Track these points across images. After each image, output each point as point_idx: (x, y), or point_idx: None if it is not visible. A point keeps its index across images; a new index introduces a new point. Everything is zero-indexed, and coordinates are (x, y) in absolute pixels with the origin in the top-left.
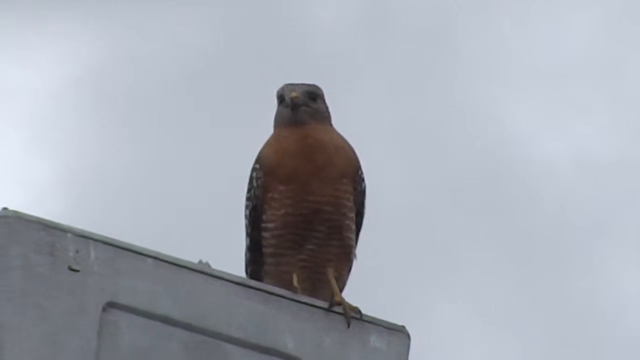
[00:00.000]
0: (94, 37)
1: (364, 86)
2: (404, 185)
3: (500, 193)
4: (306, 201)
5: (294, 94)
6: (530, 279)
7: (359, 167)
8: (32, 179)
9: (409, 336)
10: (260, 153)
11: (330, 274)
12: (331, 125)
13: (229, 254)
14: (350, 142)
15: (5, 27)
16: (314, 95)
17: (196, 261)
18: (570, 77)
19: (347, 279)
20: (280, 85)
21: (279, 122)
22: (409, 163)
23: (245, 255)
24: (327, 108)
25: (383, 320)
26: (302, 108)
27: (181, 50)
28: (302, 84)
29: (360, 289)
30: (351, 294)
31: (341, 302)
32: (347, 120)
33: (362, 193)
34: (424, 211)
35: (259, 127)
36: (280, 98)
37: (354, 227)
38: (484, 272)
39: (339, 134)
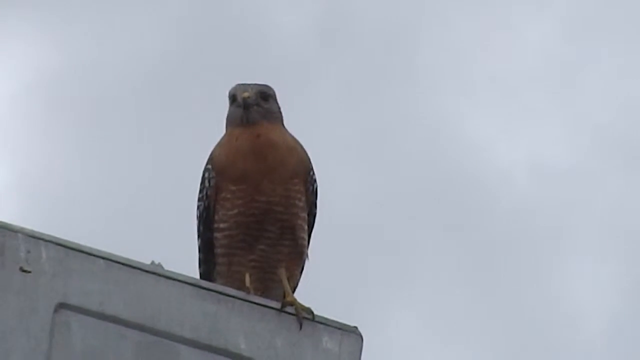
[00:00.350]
0: (48, 41)
1: (321, 92)
2: (359, 191)
3: (456, 200)
4: (257, 201)
5: (246, 94)
6: (486, 286)
7: (311, 167)
8: None
9: (361, 337)
10: (212, 153)
11: (282, 274)
12: (283, 125)
13: (182, 255)
14: (306, 148)
15: None
16: (265, 95)
17: (148, 262)
18: (526, 86)
19: (299, 279)
20: (233, 85)
21: (230, 122)
22: (364, 169)
23: (198, 255)
24: (279, 108)
25: (335, 321)
26: (253, 108)
27: (137, 55)
28: (254, 84)
29: (313, 290)
30: (303, 295)
31: (293, 303)
32: (302, 126)
33: (314, 193)
34: (380, 217)
35: (212, 128)
36: (232, 98)
37: (305, 227)
38: (440, 279)
39: (290, 135)
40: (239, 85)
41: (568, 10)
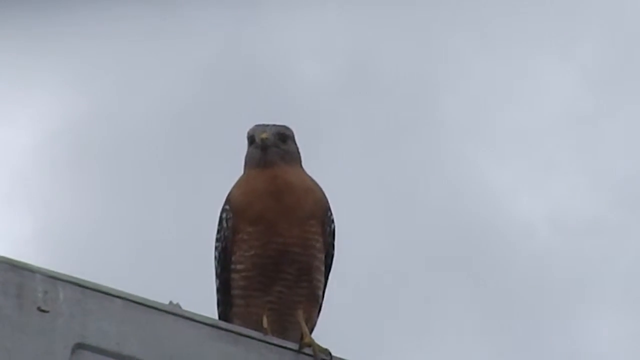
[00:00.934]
0: (73, 88)
1: (343, 142)
2: (379, 240)
3: (476, 251)
4: (274, 242)
5: (264, 135)
6: (507, 338)
7: (328, 208)
8: (8, 233)
9: None
10: (229, 194)
11: (300, 315)
12: (301, 166)
13: (200, 296)
14: (327, 194)
15: None
16: (284, 136)
17: (166, 302)
18: (548, 136)
19: (316, 320)
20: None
21: (249, 163)
22: (384, 219)
23: (216, 296)
24: (297, 149)
25: None
26: (271, 149)
27: (162, 101)
28: (273, 125)
29: (331, 332)
30: (321, 337)
31: (311, 344)
32: (323, 174)
33: (332, 234)
34: (400, 267)
35: (231, 171)
36: (251, 139)
37: (323, 268)
38: (459, 331)
39: (308, 176)
40: (257, 126)
41: (592, 59)
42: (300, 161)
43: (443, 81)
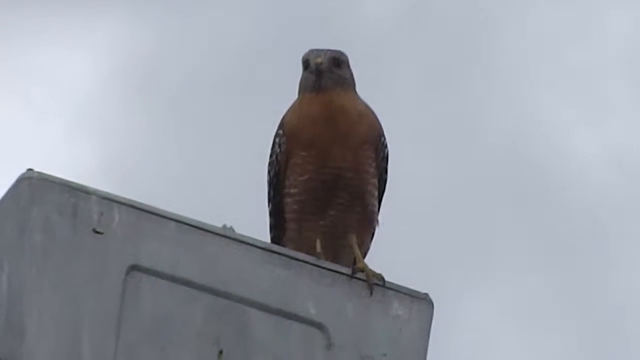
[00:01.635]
0: (140, 27)
1: (404, 76)
2: (436, 175)
3: (534, 187)
4: (328, 167)
5: (319, 60)
6: (562, 273)
7: (382, 134)
8: (75, 164)
9: (432, 304)
10: (283, 118)
11: (353, 240)
12: (355, 92)
13: (254, 219)
14: (388, 127)
15: (53, 12)
16: (338, 61)
17: (220, 225)
18: (608, 76)
19: (369, 245)
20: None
21: (303, 87)
22: (441, 154)
23: (269, 220)
24: (351, 75)
25: (406, 288)
26: (326, 74)
27: (226, 41)
28: (328, 50)
29: (385, 257)
30: (374, 262)
31: (364, 269)
32: (385, 107)
33: (385, 159)
34: (456, 200)
35: (287, 98)
36: (305, 64)
37: (376, 193)
38: (513, 265)
39: (362, 101)
40: (312, 50)
41: None
42: (354, 86)
43: (504, 19)
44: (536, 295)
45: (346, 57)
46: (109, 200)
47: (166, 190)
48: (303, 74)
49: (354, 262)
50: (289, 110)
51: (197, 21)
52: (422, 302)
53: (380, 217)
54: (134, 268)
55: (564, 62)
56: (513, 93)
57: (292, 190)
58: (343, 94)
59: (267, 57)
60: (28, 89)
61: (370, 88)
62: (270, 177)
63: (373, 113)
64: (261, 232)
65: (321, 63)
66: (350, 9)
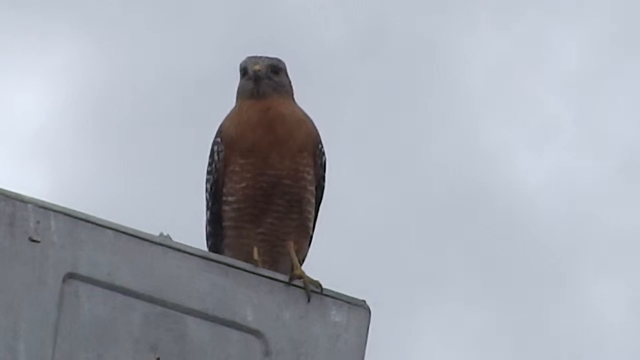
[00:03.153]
0: (95, 49)
1: (354, 99)
2: (382, 202)
3: (475, 211)
4: (266, 174)
5: (257, 67)
6: (507, 301)
7: (319, 141)
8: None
9: (369, 311)
10: (221, 126)
11: (291, 247)
12: (293, 99)
13: (191, 228)
14: (334, 141)
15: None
16: (276, 68)
17: (157, 234)
18: (554, 102)
19: (307, 252)
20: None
21: (241, 94)
22: (389, 180)
23: (206, 228)
24: (289, 82)
25: (343, 295)
26: (264, 81)
27: (181, 71)
28: (266, 57)
29: (322, 264)
30: (311, 269)
31: (301, 276)
32: (334, 126)
33: (323, 166)
34: (401, 227)
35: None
36: (243, 71)
37: (313, 200)
38: (460, 289)
39: (300, 108)
40: (249, 57)
41: (599, 25)
42: (292, 94)
43: (451, 44)
44: (480, 325)
45: (284, 64)
46: (45, 208)
47: (110, 209)
48: (241, 81)
49: (292, 269)
50: (226, 118)
51: (152, 47)
52: (359, 309)
53: (317, 225)
54: (71, 276)
55: (511, 88)
56: (461, 117)
57: (229, 198)
58: (281, 100)
59: (223, 84)
60: None
61: (320, 111)
62: (208, 186)
63: (311, 120)
64: (198, 240)
65: (259, 70)
66: (304, 31)
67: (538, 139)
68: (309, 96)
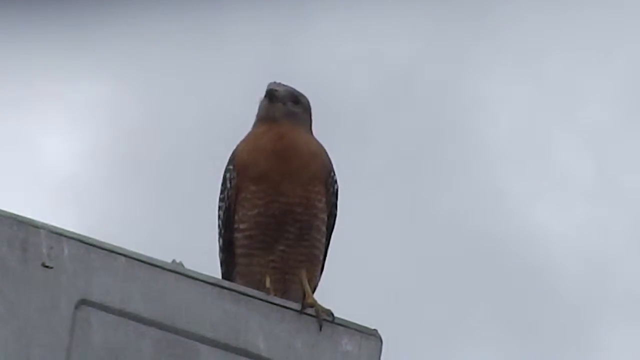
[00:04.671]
0: (128, 96)
1: (374, 146)
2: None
3: (494, 264)
4: (277, 202)
5: (274, 87)
6: (521, 351)
7: (332, 169)
8: None
9: (381, 340)
10: (234, 151)
11: (303, 275)
12: (309, 130)
13: (204, 255)
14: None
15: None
16: (296, 99)
17: (170, 261)
18: (569, 156)
19: (319, 280)
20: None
21: (258, 115)
22: (407, 229)
23: (219, 255)
24: (309, 118)
25: (355, 324)
26: (279, 104)
27: (208, 118)
28: (289, 86)
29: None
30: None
31: (313, 304)
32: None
33: (335, 194)
34: (419, 273)
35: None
36: (265, 92)
37: (324, 228)
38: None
39: (314, 138)
40: (274, 82)
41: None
42: (310, 128)
43: (472, 93)
44: None
45: (306, 100)
46: (58, 234)
47: (123, 235)
48: (260, 103)
49: (304, 298)
50: (240, 143)
51: (186, 92)
52: (371, 338)
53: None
54: (84, 302)
55: (529, 136)
56: (478, 167)
57: (241, 226)
58: (295, 128)
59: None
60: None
61: (342, 156)
62: (221, 213)
63: (324, 150)
64: (211, 267)
65: (277, 90)
66: (330, 80)
67: (556, 191)
68: (332, 141)
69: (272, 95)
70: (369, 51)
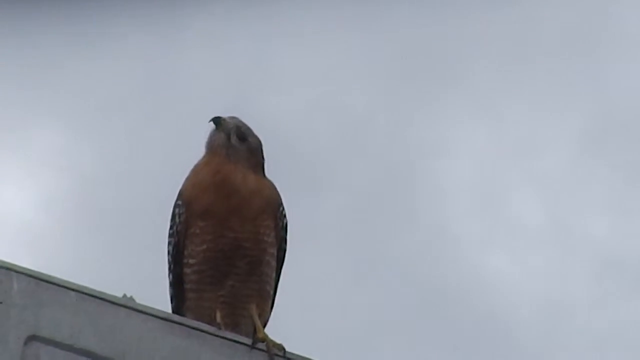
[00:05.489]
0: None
1: (332, 197)
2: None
3: (449, 311)
4: (225, 237)
5: (223, 116)
6: None
7: (280, 203)
8: None
9: None
10: (181, 187)
11: (253, 310)
12: (255, 169)
13: (154, 290)
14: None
15: None
16: (242, 135)
17: (120, 295)
18: (525, 204)
19: (269, 315)
20: None
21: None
22: (365, 276)
23: (169, 290)
24: (255, 159)
25: (307, 358)
26: (222, 134)
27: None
28: (243, 122)
29: (285, 327)
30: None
31: (264, 339)
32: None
33: (284, 228)
34: (377, 320)
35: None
36: (211, 118)
37: (274, 263)
38: None
39: (256, 174)
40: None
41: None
42: (259, 168)
43: (429, 145)
44: None
45: (256, 141)
46: (7, 269)
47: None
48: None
49: (254, 332)
50: (186, 177)
51: (140, 144)
52: None
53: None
54: (33, 338)
55: (484, 183)
56: (435, 215)
57: (191, 261)
58: (233, 164)
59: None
60: None
61: (301, 206)
62: (170, 248)
63: (269, 185)
64: (162, 302)
65: (223, 119)
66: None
67: (510, 237)
68: (288, 183)
69: (217, 122)
70: (328, 94)
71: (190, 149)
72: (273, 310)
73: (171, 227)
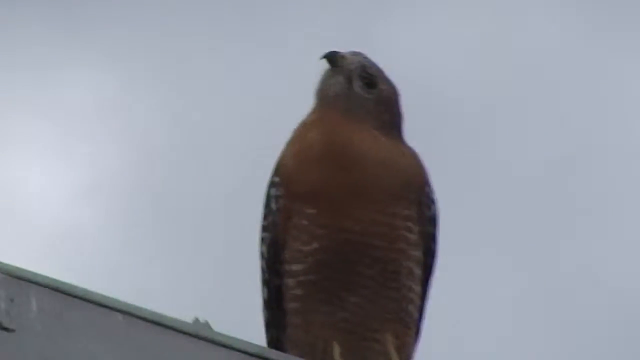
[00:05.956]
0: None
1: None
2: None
3: None
4: (345, 231)
5: (343, 53)
6: None
7: (426, 182)
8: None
9: None
10: (279, 158)
11: (389, 342)
12: (391, 131)
13: (239, 313)
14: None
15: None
16: (370, 78)
17: (190, 320)
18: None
19: (414, 349)
20: None
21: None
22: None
23: (263, 313)
24: (387, 114)
25: None
26: (340, 77)
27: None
28: (368, 59)
29: None
30: None
31: None
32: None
33: (432, 222)
34: None
35: None
36: (325, 54)
37: (419, 271)
38: None
39: (390, 140)
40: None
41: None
42: (393, 127)
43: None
44: None
45: (389, 88)
46: (23, 280)
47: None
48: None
49: None
50: (287, 143)
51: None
52: None
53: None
54: None
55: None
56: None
57: (294, 267)
58: (357, 120)
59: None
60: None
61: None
62: (264, 248)
63: (411, 157)
64: (251, 329)
65: (344, 57)
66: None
67: None
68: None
69: (333, 60)
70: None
71: (292, 105)
72: (420, 341)
73: (265, 218)
